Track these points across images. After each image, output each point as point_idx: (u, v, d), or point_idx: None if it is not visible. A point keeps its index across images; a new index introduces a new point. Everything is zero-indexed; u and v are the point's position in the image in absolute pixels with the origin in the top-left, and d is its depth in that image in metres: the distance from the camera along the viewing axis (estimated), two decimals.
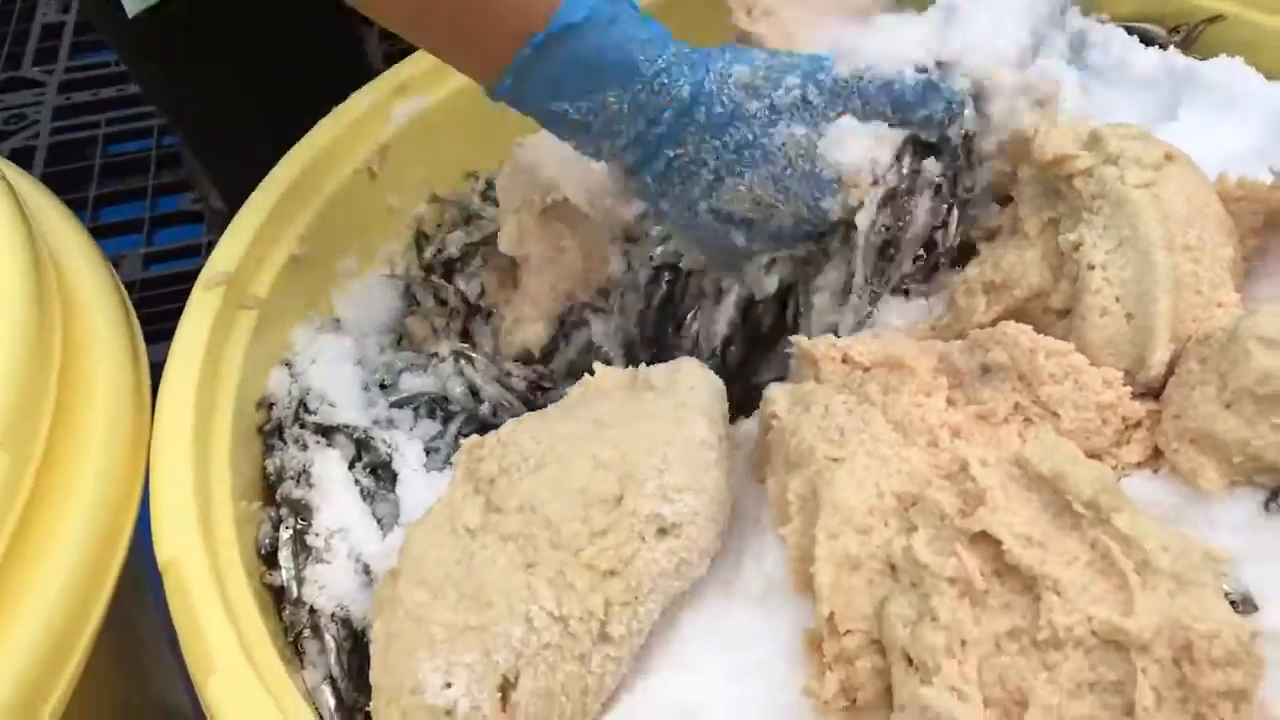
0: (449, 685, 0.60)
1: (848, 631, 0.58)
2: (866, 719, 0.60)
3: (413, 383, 0.86)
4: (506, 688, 0.60)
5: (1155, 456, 0.64)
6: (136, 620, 0.86)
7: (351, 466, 0.80)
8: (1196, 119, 0.85)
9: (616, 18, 0.68)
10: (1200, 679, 0.52)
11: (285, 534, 0.75)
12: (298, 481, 0.78)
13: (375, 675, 0.63)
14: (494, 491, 0.67)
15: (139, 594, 0.86)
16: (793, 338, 0.72)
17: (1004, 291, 0.71)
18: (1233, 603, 0.58)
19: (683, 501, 0.63)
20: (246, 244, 0.87)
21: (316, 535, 0.75)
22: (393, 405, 0.85)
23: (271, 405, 0.84)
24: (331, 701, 0.69)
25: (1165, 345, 0.64)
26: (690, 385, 0.71)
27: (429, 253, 0.97)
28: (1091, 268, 0.66)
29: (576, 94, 0.69)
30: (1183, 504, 0.62)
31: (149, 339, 0.81)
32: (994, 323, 0.69)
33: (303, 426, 0.82)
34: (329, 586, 0.73)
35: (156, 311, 1.06)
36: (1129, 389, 0.64)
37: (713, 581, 0.67)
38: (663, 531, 0.62)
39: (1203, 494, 0.61)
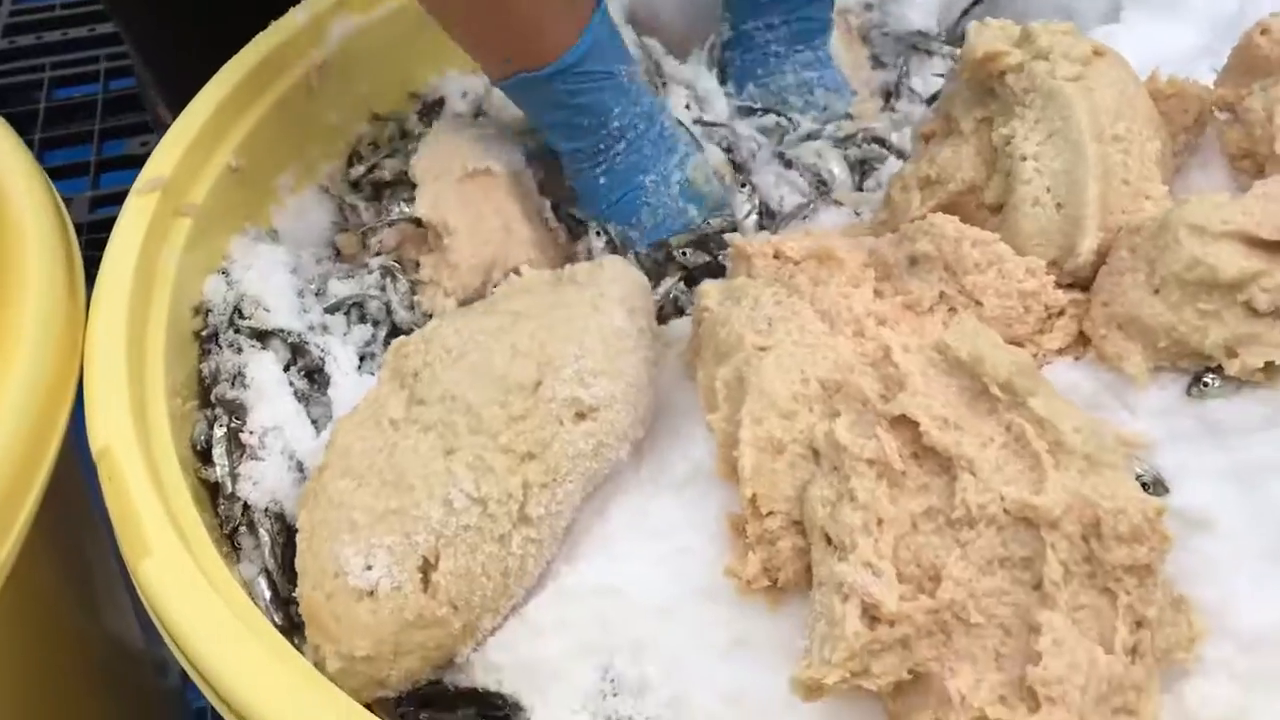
0: (370, 568, 0.61)
1: (770, 513, 0.59)
2: (787, 600, 0.61)
3: (340, 289, 0.86)
4: (427, 568, 0.61)
5: (1079, 344, 0.65)
6: (77, 518, 0.86)
7: (286, 370, 0.80)
8: (1141, 19, 0.86)
9: (609, 58, 0.79)
10: (1106, 554, 0.54)
11: (219, 431, 0.75)
12: (233, 383, 0.78)
13: (300, 561, 0.64)
14: (418, 384, 0.68)
15: (80, 499, 0.86)
16: (727, 236, 0.73)
17: (938, 187, 0.72)
18: (1145, 485, 0.59)
19: (599, 386, 0.64)
20: (182, 152, 0.86)
21: (250, 433, 0.75)
22: (326, 311, 0.85)
23: (208, 311, 0.83)
24: (267, 593, 0.70)
25: (1094, 233, 0.65)
26: (611, 278, 0.71)
27: (357, 171, 0.96)
28: (1024, 159, 0.67)
29: (558, 115, 0.80)
30: (1106, 390, 0.63)
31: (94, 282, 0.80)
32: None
33: (238, 331, 0.81)
34: (262, 482, 0.73)
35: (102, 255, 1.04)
36: (1052, 277, 0.65)
37: (642, 473, 0.68)
38: (580, 415, 0.64)
39: (1126, 380, 0.62)
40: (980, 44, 0.70)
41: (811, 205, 0.85)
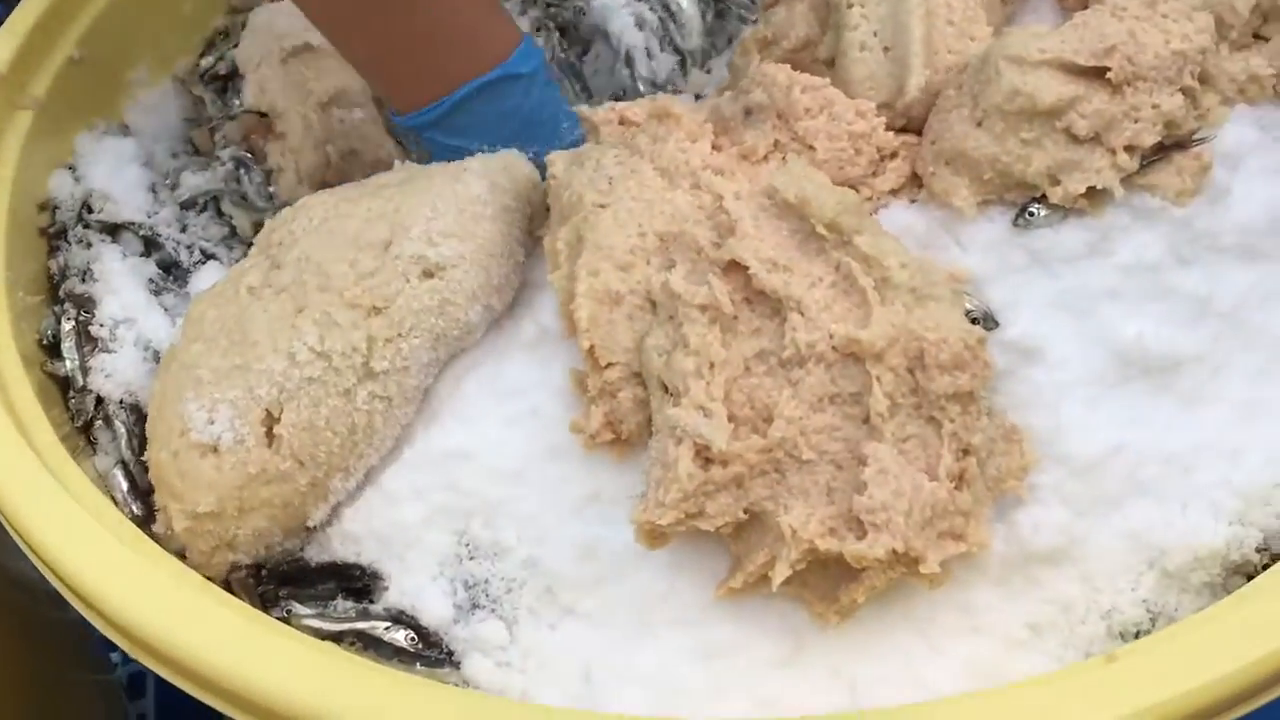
0: (212, 422, 0.60)
1: (609, 365, 0.60)
2: (635, 453, 0.61)
3: (195, 181, 0.84)
4: (270, 422, 0.61)
5: (914, 186, 0.65)
6: None
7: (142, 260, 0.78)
8: None
9: (546, 76, 0.72)
10: (930, 384, 0.55)
11: (67, 325, 0.73)
12: (82, 278, 0.76)
13: (150, 426, 0.64)
14: (279, 252, 0.67)
15: None
16: (575, 107, 0.72)
17: (774, 46, 0.73)
18: (975, 319, 0.60)
19: (448, 246, 0.64)
20: (20, 42, 0.82)
21: (101, 326, 0.73)
22: (181, 206, 0.83)
23: (55, 208, 0.81)
24: (124, 484, 0.69)
25: (920, 71, 0.66)
26: (481, 158, 0.70)
27: (206, 61, 0.93)
28: (850, 6, 0.68)
29: (493, 135, 0.71)
30: (938, 228, 0.64)
31: None
32: None
33: (87, 227, 0.79)
34: (115, 374, 0.71)
35: None
36: (883, 120, 0.66)
37: (497, 340, 0.68)
38: (427, 273, 0.63)
39: (957, 216, 0.63)
40: None
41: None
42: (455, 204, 0.65)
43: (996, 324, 0.60)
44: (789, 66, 0.65)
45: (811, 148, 0.64)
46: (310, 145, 0.80)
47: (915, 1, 0.65)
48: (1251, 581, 0.57)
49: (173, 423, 0.61)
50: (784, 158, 0.64)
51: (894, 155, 0.65)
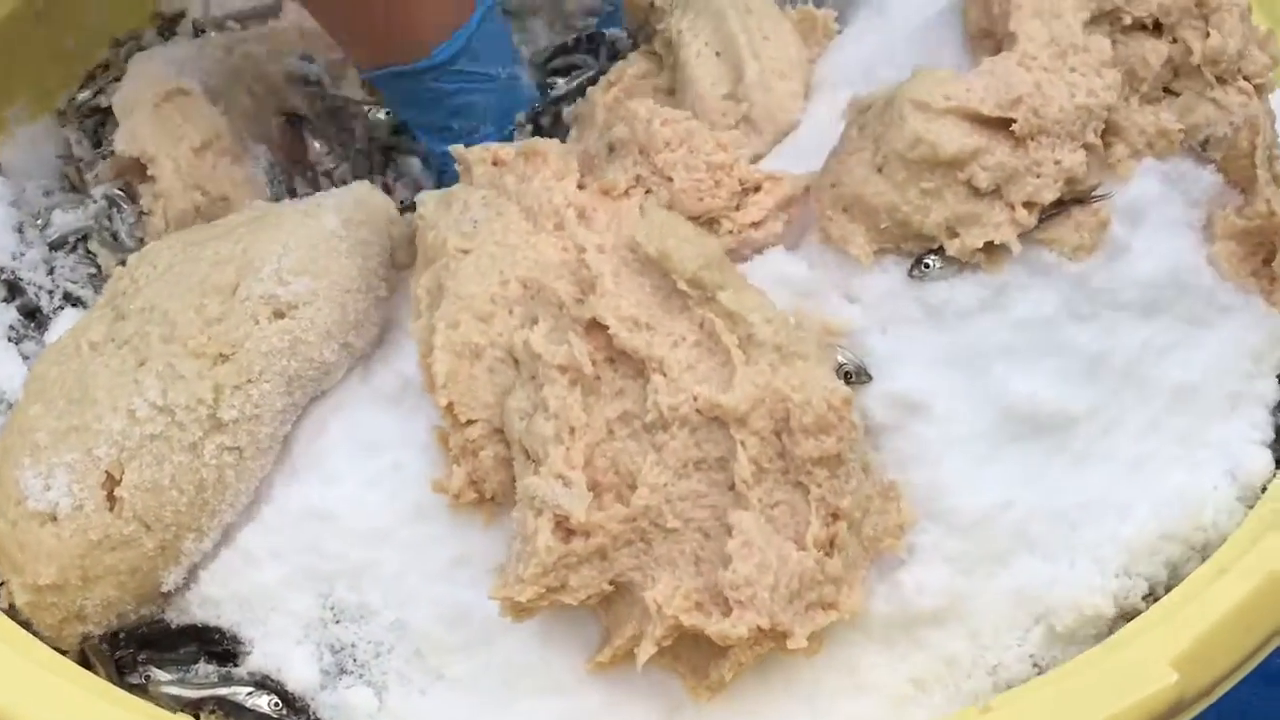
0: (49, 489, 0.57)
1: (470, 422, 0.57)
2: (501, 513, 0.59)
3: (65, 220, 0.80)
4: (111, 484, 0.58)
5: (775, 219, 0.62)
6: None
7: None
8: None
9: (489, 59, 0.75)
10: (795, 448, 0.52)
11: None
12: None
13: None
14: (123, 302, 0.63)
15: None
16: (450, 147, 0.69)
17: (615, 85, 0.76)
18: (847, 374, 0.57)
19: (299, 283, 0.61)
20: None
21: None
22: (50, 247, 0.79)
23: None
24: None
25: (752, 62, 0.71)
26: (337, 193, 0.68)
27: (84, 95, 0.89)
28: (680, 32, 0.74)
29: (504, 56, 0.78)
30: (825, 277, 0.61)
31: None
32: None
33: None
34: None
35: None
36: (746, 152, 0.64)
37: (360, 386, 0.64)
38: (278, 314, 0.60)
39: (849, 263, 0.60)
40: None
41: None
42: (308, 239, 0.62)
43: (870, 378, 0.58)
44: (650, 101, 0.63)
45: (670, 179, 0.60)
46: (179, 189, 0.76)
47: (730, 11, 0.72)
48: (1127, 625, 0.57)
49: (9, 490, 0.58)
50: (646, 190, 0.61)
51: (758, 188, 0.62)
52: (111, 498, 0.58)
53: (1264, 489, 0.61)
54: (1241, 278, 0.63)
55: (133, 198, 0.79)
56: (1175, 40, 0.61)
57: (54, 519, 0.57)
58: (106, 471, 0.58)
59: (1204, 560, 0.59)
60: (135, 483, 0.57)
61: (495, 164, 0.65)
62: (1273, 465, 0.62)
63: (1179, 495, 0.60)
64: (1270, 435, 0.63)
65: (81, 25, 0.92)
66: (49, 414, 0.59)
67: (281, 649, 0.60)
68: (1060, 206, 0.58)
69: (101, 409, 0.58)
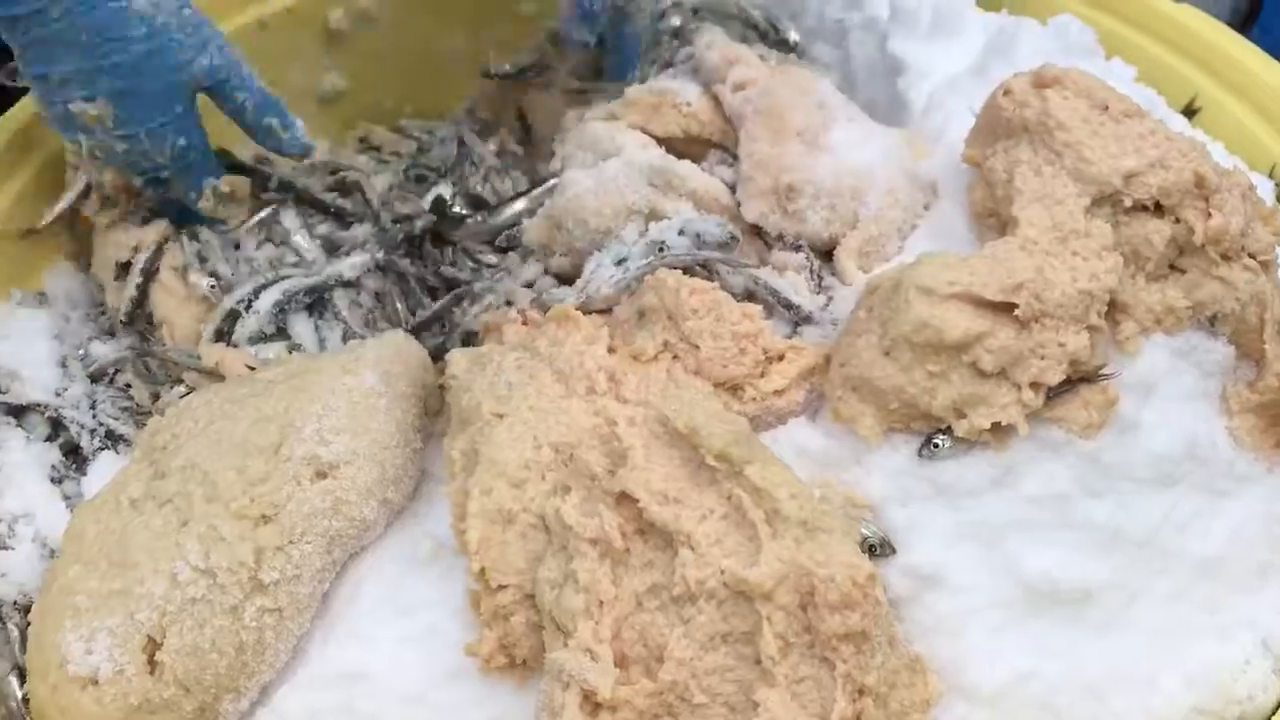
0: (90, 653, 0.58)
1: (501, 587, 0.58)
2: (533, 677, 0.60)
3: (102, 350, 0.82)
4: (152, 648, 0.59)
5: (798, 387, 0.64)
6: None
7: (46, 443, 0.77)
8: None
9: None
10: (821, 623, 0.53)
11: None
12: None
13: (28, 657, 0.61)
14: (163, 458, 0.65)
15: None
16: (479, 315, 0.72)
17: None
18: (871, 547, 0.59)
19: (339, 443, 0.62)
20: None
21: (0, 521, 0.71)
22: (91, 379, 0.81)
23: None
24: (20, 692, 0.66)
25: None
26: (374, 345, 0.70)
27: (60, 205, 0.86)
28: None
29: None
30: (841, 451, 0.62)
31: None
32: None
33: None
34: (10, 574, 0.69)
35: None
36: (769, 323, 0.66)
37: (396, 548, 0.66)
38: (320, 474, 0.62)
39: (861, 441, 0.62)
40: None
41: None
42: (348, 398, 0.64)
43: (894, 550, 0.59)
44: (680, 272, 0.65)
45: (696, 346, 0.63)
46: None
47: None
48: None
49: (50, 654, 0.59)
50: (673, 356, 0.63)
51: (781, 357, 0.64)
52: (152, 661, 0.59)
53: None
54: (1265, 449, 0.64)
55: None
56: (1178, 220, 0.63)
57: (95, 683, 0.58)
58: (148, 635, 0.59)
59: None
60: (176, 646, 0.58)
61: (525, 323, 0.68)
62: None
63: (1210, 666, 0.60)
64: None
65: None
66: (90, 575, 0.60)
67: None
68: (1068, 385, 0.60)
69: (143, 571, 0.59)
